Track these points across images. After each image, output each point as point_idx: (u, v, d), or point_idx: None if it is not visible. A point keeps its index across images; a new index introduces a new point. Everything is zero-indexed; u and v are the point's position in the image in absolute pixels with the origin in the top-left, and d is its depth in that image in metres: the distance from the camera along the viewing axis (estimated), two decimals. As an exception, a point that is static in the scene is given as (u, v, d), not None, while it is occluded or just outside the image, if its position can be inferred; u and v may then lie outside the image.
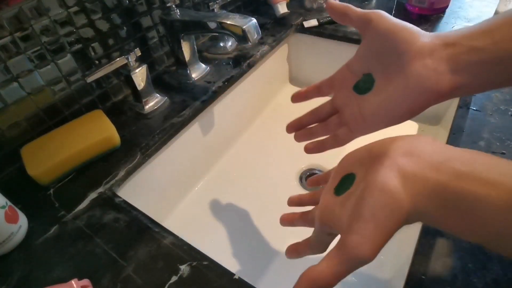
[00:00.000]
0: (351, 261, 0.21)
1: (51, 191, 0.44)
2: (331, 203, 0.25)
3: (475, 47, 0.23)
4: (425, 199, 0.20)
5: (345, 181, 0.26)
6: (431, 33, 0.26)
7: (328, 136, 0.36)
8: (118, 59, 0.51)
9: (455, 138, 0.44)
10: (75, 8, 0.49)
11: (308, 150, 0.37)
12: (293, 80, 0.88)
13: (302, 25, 0.76)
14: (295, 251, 0.31)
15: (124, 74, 0.55)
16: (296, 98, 0.37)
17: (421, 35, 0.26)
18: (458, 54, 0.24)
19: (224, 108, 0.66)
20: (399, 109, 0.27)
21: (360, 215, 0.21)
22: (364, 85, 0.31)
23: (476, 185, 0.18)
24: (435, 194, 0.20)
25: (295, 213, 0.34)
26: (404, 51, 0.26)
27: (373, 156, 0.24)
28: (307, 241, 0.30)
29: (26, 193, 0.44)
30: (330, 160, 0.41)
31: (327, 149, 0.36)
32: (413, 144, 0.23)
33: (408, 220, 0.21)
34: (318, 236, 0.28)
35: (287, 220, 0.35)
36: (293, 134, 0.38)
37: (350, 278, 0.49)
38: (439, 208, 0.20)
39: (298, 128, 0.37)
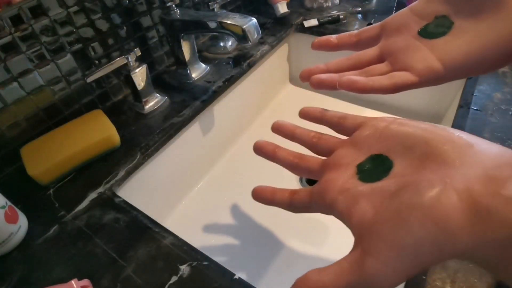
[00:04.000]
0: (365, 286, 0.17)
1: (51, 191, 0.44)
2: (354, 189, 0.20)
3: None
4: (490, 248, 0.15)
5: (376, 165, 0.20)
6: None
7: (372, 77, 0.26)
8: (118, 59, 0.51)
9: (455, 138, 0.44)
10: (75, 8, 0.49)
11: (325, 82, 0.27)
12: (293, 80, 0.88)
13: (302, 24, 0.76)
14: (265, 197, 0.25)
15: (124, 74, 0.54)
16: (319, 45, 0.31)
17: None
18: None
19: (224, 108, 0.66)
20: (497, 51, 0.23)
21: (397, 241, 0.16)
22: (437, 29, 0.26)
23: None
24: (509, 243, 0.14)
25: (279, 189, 0.26)
26: None
27: (432, 154, 0.18)
28: (287, 197, 0.24)
29: (26, 193, 0.44)
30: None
31: (366, 90, 0.25)
32: (500, 163, 0.16)
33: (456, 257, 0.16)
34: (312, 209, 0.23)
35: (266, 193, 0.25)
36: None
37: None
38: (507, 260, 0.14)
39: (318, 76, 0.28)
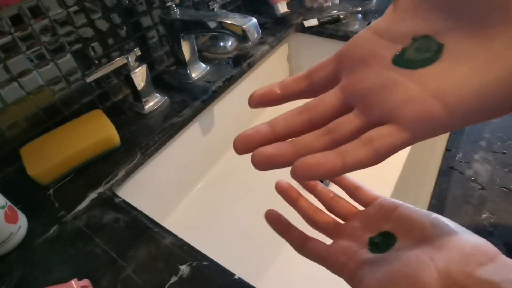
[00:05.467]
0: None
1: (51, 191, 0.44)
2: (363, 257, 0.24)
3: None
4: None
5: (384, 240, 0.24)
6: None
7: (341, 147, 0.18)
8: (118, 59, 0.51)
9: (455, 137, 0.44)
10: (75, 8, 0.49)
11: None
12: (293, 80, 0.88)
13: (303, 24, 0.76)
14: (280, 226, 0.29)
15: (124, 74, 0.54)
16: (258, 101, 0.24)
17: None
18: None
19: (224, 108, 0.66)
20: None
21: None
22: (419, 54, 0.18)
23: None
24: None
25: (293, 226, 0.29)
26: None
27: (426, 238, 0.21)
28: (300, 239, 0.28)
29: (26, 193, 0.44)
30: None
31: (337, 173, 0.17)
32: (475, 251, 0.19)
33: None
34: (317, 261, 0.27)
35: (282, 223, 0.29)
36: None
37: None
38: None
39: (261, 143, 0.20)
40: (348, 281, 0.24)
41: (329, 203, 0.29)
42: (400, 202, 0.25)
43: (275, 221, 0.30)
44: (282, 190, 0.30)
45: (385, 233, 0.24)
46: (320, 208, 0.30)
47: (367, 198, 0.28)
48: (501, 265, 0.18)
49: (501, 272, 0.18)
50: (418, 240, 0.21)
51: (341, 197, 0.29)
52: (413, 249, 0.21)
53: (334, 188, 0.30)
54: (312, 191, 0.30)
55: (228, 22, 0.49)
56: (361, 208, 0.28)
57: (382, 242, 0.24)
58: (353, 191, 0.29)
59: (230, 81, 0.63)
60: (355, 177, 0.29)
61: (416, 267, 0.20)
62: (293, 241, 0.28)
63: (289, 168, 0.18)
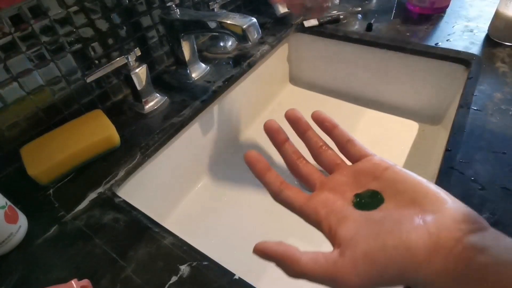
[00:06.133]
0: (330, 283, 0.20)
1: (51, 191, 0.44)
2: (346, 212, 0.23)
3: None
4: (447, 281, 0.18)
5: (371, 198, 0.23)
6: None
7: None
8: (118, 58, 0.51)
9: (455, 137, 0.44)
10: (75, 8, 0.49)
11: None
12: (293, 80, 0.88)
13: (302, 24, 0.76)
14: (259, 168, 0.27)
15: (124, 74, 0.54)
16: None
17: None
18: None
19: (224, 108, 0.66)
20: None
21: (371, 252, 0.20)
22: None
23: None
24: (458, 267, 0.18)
25: (273, 170, 0.27)
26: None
27: (417, 201, 0.21)
28: (278, 184, 0.26)
29: (25, 193, 0.44)
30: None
31: None
32: (465, 219, 0.20)
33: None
34: (296, 211, 0.25)
35: (260, 164, 0.27)
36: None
37: (350, 278, 0.49)
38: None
39: None
40: (327, 234, 0.23)
41: (317, 152, 0.27)
42: (392, 163, 0.24)
43: (254, 160, 0.27)
44: (271, 131, 0.28)
45: (373, 192, 0.23)
46: (307, 159, 0.28)
47: (358, 153, 0.26)
48: (491, 234, 0.19)
49: (491, 239, 0.19)
50: (408, 202, 0.21)
51: (331, 148, 0.28)
52: (402, 210, 0.21)
53: (326, 140, 0.28)
54: (302, 136, 0.28)
55: (228, 22, 0.49)
56: (350, 164, 0.26)
57: (369, 200, 0.23)
58: (344, 144, 0.27)
59: (230, 81, 0.63)
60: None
61: (407, 228, 0.20)
62: (269, 185, 0.26)
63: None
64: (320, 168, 0.28)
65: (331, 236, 0.22)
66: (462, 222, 0.19)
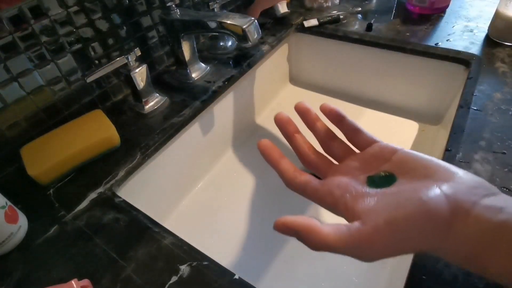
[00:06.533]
0: (354, 252, 0.20)
1: (51, 191, 0.44)
2: (362, 191, 0.23)
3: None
4: (464, 242, 0.20)
5: (384, 178, 0.24)
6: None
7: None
8: (118, 59, 0.51)
9: (455, 137, 0.44)
10: (75, 8, 0.49)
11: None
12: (293, 80, 0.88)
13: (303, 24, 0.76)
14: (272, 156, 0.28)
15: (124, 74, 0.54)
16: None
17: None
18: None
19: (224, 108, 0.66)
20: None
21: (392, 219, 0.20)
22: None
23: None
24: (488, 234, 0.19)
25: (287, 159, 0.28)
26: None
27: (429, 175, 0.22)
28: (292, 171, 0.27)
29: (26, 193, 0.44)
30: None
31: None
32: (478, 185, 0.21)
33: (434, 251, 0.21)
34: (309, 195, 0.26)
35: (274, 153, 0.28)
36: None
37: (350, 277, 0.49)
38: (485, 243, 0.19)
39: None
40: (343, 212, 0.23)
41: (327, 141, 0.28)
42: (400, 147, 0.25)
43: (268, 148, 0.28)
44: (282, 122, 0.29)
45: (385, 172, 0.24)
46: (317, 149, 0.29)
47: (366, 141, 0.27)
48: (504, 196, 0.20)
49: (504, 201, 0.20)
50: (421, 177, 0.22)
51: (340, 138, 0.29)
52: (417, 183, 0.22)
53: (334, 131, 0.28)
54: (312, 126, 0.29)
55: (228, 22, 0.49)
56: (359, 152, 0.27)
57: (383, 179, 0.24)
58: (352, 134, 0.28)
59: (230, 81, 0.63)
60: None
61: (425, 194, 0.20)
62: (284, 171, 0.27)
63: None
64: (330, 158, 0.29)
65: (348, 214, 0.23)
66: (476, 188, 0.21)
